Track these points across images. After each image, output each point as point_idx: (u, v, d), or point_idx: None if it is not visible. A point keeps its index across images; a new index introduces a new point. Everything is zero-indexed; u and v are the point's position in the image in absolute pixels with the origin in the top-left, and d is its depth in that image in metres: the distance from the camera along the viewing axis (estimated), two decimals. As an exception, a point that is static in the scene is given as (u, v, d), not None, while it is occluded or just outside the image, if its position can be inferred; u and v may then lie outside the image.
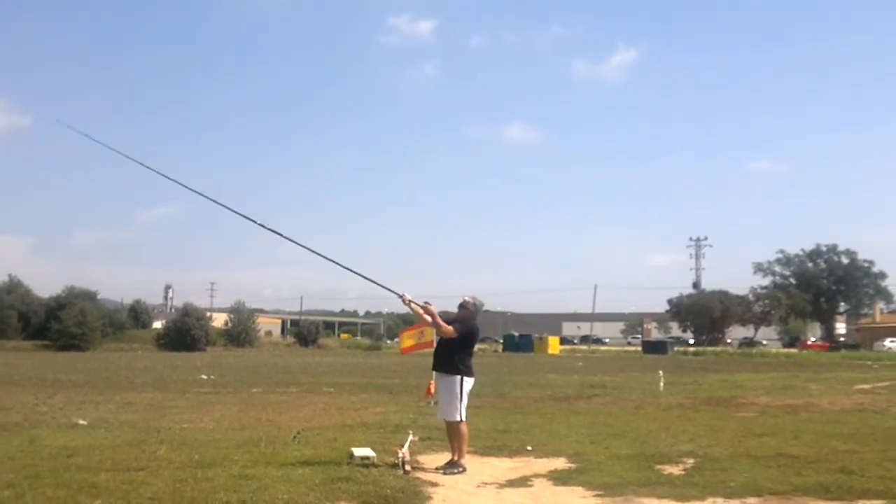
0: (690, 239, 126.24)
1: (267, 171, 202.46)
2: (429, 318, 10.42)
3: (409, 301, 10.50)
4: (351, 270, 11.17)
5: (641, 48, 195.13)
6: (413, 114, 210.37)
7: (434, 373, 10.54)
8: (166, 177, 11.63)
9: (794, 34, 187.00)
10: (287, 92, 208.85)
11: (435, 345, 10.93)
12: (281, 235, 11.13)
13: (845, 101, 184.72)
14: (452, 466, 9.98)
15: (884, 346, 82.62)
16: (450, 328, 10.15)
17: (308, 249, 11.11)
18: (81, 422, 14.67)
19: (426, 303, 10.57)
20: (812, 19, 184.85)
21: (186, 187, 11.49)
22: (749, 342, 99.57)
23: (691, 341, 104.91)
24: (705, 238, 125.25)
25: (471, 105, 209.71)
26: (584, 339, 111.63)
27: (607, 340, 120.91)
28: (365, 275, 11.02)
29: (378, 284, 10.89)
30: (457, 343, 10.17)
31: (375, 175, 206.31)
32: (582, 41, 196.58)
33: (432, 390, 19.11)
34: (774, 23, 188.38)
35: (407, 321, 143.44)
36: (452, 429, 10.15)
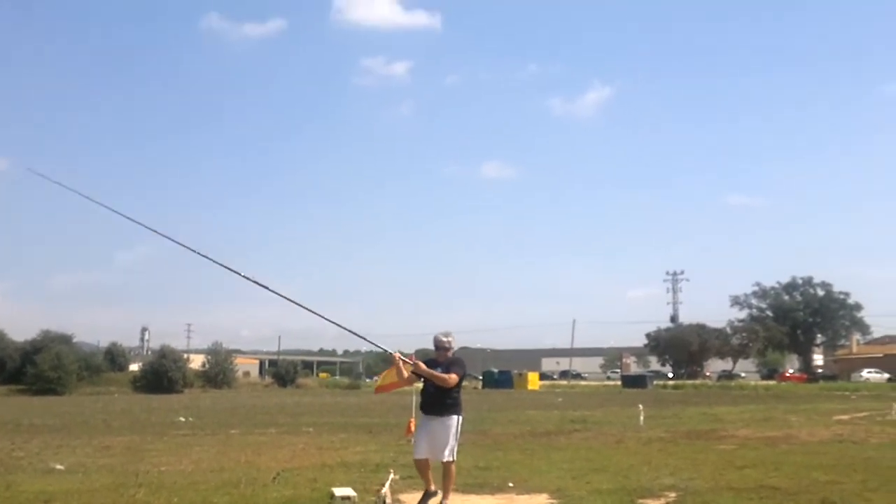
0: (667, 273, 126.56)
1: (242, 212, 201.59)
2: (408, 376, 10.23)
3: (400, 360, 10.26)
4: (342, 326, 10.91)
5: (616, 84, 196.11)
6: (389, 153, 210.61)
7: (423, 414, 10.17)
8: (136, 222, 11.35)
9: (770, 68, 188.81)
10: (262, 133, 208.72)
11: (414, 384, 10.61)
12: (264, 287, 10.84)
13: (820, 135, 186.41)
14: None
15: (861, 376, 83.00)
16: (453, 377, 9.93)
17: (289, 300, 10.79)
18: (59, 466, 14.52)
19: (409, 356, 10.35)
20: (786, 51, 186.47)
21: (156, 232, 11.33)
22: (728, 375, 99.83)
23: (670, 375, 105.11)
24: (682, 272, 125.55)
25: (448, 143, 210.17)
26: (564, 374, 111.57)
27: (586, 375, 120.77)
28: (355, 331, 10.88)
29: (369, 342, 10.82)
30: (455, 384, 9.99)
31: (351, 213, 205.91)
32: (557, 79, 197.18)
33: (412, 428, 19.10)
34: (750, 58, 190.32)
35: (386, 360, 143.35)
36: (447, 469, 10.00)
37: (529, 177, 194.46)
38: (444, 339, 10.18)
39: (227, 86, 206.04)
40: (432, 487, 9.83)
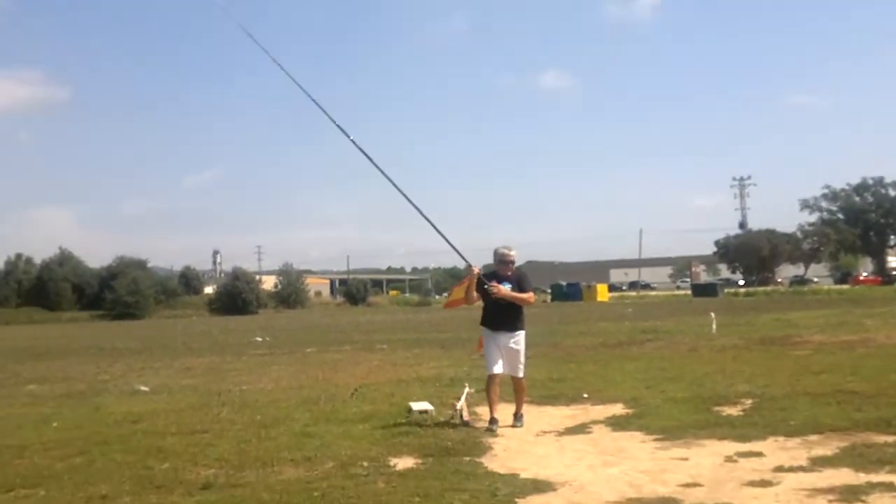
0: (734, 179, 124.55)
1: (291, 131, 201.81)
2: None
3: (476, 278, 9.94)
4: (439, 232, 10.65)
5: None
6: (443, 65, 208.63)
7: (491, 331, 10.00)
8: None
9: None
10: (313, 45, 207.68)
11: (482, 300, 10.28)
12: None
13: (884, 29, 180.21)
14: (521, 419, 9.99)
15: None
16: (531, 294, 10.10)
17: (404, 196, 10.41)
18: (143, 388, 14.96)
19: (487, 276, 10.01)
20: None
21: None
22: (800, 280, 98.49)
23: (741, 282, 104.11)
24: (749, 177, 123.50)
25: (503, 54, 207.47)
26: (632, 286, 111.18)
27: (655, 285, 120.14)
28: (449, 240, 10.65)
29: (456, 251, 10.69)
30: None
31: (408, 129, 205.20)
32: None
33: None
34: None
35: (454, 276, 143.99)
36: (520, 384, 10.13)
37: (588, 85, 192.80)
38: (509, 253, 10.16)
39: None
40: (497, 414, 9.75)
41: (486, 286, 9.78)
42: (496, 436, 9.12)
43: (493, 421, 9.62)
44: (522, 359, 10.01)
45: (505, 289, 9.84)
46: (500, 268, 10.09)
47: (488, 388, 9.88)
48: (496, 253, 10.20)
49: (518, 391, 10.20)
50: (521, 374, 10.03)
